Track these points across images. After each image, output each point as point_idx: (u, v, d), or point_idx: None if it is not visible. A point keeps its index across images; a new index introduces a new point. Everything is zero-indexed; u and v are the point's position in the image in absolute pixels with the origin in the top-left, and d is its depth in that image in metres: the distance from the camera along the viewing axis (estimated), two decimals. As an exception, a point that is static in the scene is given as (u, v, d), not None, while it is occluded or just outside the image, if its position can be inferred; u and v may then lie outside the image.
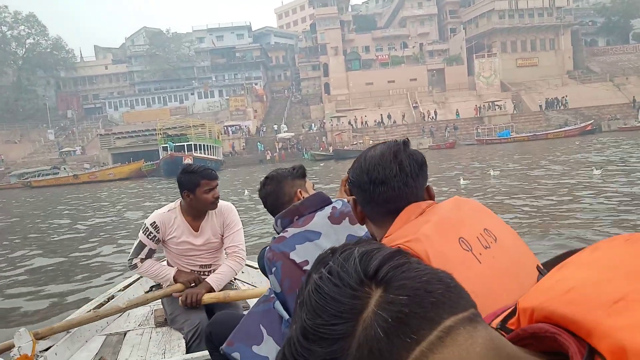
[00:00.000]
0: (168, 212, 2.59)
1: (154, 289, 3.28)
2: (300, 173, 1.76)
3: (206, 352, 1.97)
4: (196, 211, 2.58)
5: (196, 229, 2.61)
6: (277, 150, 42.99)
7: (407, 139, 1.16)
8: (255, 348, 1.53)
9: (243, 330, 1.59)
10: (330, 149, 39.89)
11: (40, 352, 2.18)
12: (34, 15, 62.55)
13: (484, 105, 46.39)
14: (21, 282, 6.15)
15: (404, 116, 47.66)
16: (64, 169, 39.28)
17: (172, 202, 2.69)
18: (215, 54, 64.91)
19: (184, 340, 2.37)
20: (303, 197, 1.67)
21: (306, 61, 61.37)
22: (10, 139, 54.62)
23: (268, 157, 41.80)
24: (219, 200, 2.60)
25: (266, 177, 1.75)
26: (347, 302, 0.40)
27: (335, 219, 1.56)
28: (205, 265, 2.70)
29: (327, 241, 1.50)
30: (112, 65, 67.10)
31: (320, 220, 1.55)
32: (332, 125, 45.23)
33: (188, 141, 36.61)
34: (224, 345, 1.59)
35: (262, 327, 1.55)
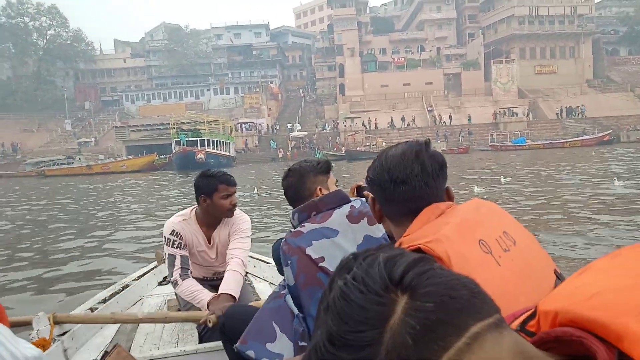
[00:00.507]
0: (183, 222, 2.51)
1: (166, 279, 3.37)
2: (324, 168, 1.74)
3: (219, 343, 1.98)
4: (212, 218, 2.51)
5: (209, 240, 2.56)
6: (290, 148, 43.02)
7: (429, 139, 1.15)
8: (269, 345, 1.52)
9: (256, 327, 1.58)
10: (343, 149, 39.79)
11: (57, 336, 2.21)
12: (56, 7, 63.52)
13: (500, 111, 45.91)
14: (37, 268, 6.22)
15: (413, 119, 47.34)
16: (79, 159, 39.74)
17: (184, 207, 2.61)
18: (232, 51, 65.23)
19: (196, 331, 2.38)
20: (323, 194, 1.66)
21: (322, 61, 61.36)
22: (28, 127, 55.49)
23: (280, 155, 41.86)
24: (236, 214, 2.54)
25: (289, 169, 1.75)
26: (373, 309, 0.40)
27: (354, 217, 1.57)
28: (219, 272, 2.64)
29: (344, 239, 1.51)
30: (131, 59, 67.88)
31: (338, 218, 1.55)
32: (345, 125, 45.15)
33: (201, 136, 36.78)
34: (237, 343, 1.57)
35: (274, 324, 1.55)
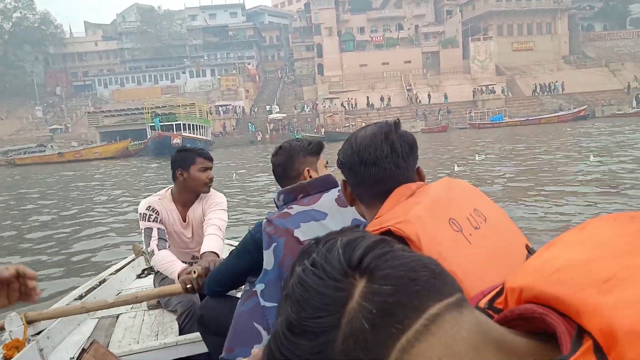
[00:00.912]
0: (158, 200, 2.48)
1: (145, 272, 3.37)
2: (315, 149, 1.69)
3: (195, 334, 1.99)
4: (187, 195, 2.49)
5: (184, 219, 2.52)
6: (269, 131, 42.47)
7: (398, 119, 1.15)
8: (257, 348, 1.44)
9: (238, 333, 1.52)
10: (323, 130, 39.43)
11: (32, 336, 2.15)
12: (21, -12, 60.89)
13: (478, 89, 45.99)
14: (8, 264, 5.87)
15: (389, 99, 47.12)
16: (51, 146, 38.54)
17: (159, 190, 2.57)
18: (207, 32, 63.76)
19: (176, 323, 2.33)
20: (311, 177, 1.63)
21: (300, 41, 60.42)
22: (-3, 115, 53.66)
23: (259, 138, 41.33)
24: (211, 192, 2.52)
25: (280, 146, 1.71)
26: (331, 294, 0.40)
27: (342, 201, 1.52)
28: (197, 257, 2.53)
29: (332, 222, 1.48)
30: (102, 42, 65.86)
31: (326, 201, 1.53)
32: (324, 106, 44.71)
33: (177, 120, 35.94)
34: (223, 353, 1.54)
35: (256, 325, 1.49)
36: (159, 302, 2.61)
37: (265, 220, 1.50)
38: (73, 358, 2.01)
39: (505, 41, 53.99)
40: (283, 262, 1.43)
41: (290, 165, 1.66)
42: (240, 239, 3.69)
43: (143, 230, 2.44)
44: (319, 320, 0.39)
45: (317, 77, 53.73)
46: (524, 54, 53.97)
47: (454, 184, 1.07)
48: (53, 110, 56.83)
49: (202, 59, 62.22)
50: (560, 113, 38.94)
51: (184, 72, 60.67)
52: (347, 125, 40.68)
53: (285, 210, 1.51)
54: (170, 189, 2.54)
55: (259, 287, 1.46)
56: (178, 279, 2.24)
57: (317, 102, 47.22)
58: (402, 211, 0.95)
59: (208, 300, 1.83)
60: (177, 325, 2.33)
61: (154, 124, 35.12)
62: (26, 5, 61.73)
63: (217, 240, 2.38)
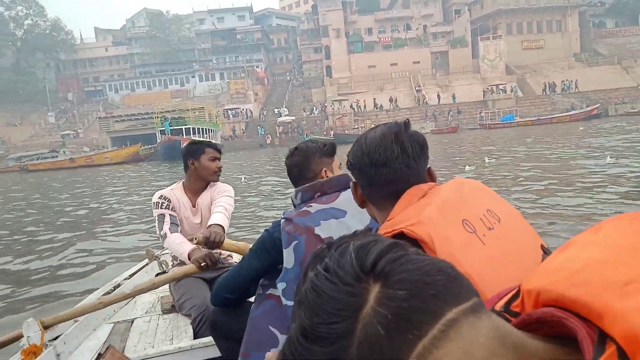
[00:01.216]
0: (171, 190, 2.68)
1: (158, 275, 3.25)
2: (329, 151, 1.71)
3: (208, 339, 2.01)
4: (198, 183, 2.66)
5: (194, 205, 2.68)
6: (278, 134, 42.49)
7: (408, 119, 1.14)
8: (270, 352, 1.36)
9: (253, 337, 1.52)
10: (332, 133, 39.35)
11: (49, 341, 2.17)
12: (32, -4, 61.68)
13: (488, 89, 45.61)
14: (25, 271, 5.99)
15: (395, 100, 46.89)
16: (63, 152, 38.94)
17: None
18: (215, 36, 64.04)
19: (191, 327, 2.36)
20: (327, 177, 1.65)
21: (308, 43, 60.42)
22: (11, 121, 54.36)
23: (268, 142, 41.36)
24: (219, 183, 2.71)
25: (295, 147, 1.73)
26: (344, 300, 0.39)
27: None
28: (211, 252, 2.59)
29: (352, 220, 1.49)
30: (113, 47, 66.41)
31: (345, 199, 1.53)
32: (333, 109, 44.63)
33: (186, 124, 36.14)
34: (239, 359, 1.53)
35: (272, 329, 1.50)
36: (173, 307, 2.67)
37: (283, 220, 1.50)
38: None
39: (514, 40, 53.51)
40: (304, 260, 1.42)
41: (306, 166, 1.67)
42: (249, 241, 3.65)
43: (156, 217, 2.60)
44: (332, 326, 0.39)
45: (325, 79, 53.69)
46: (534, 53, 53.44)
47: (466, 184, 1.05)
48: (65, 116, 57.46)
49: (211, 62, 62.51)
50: (572, 112, 38.47)
51: (193, 76, 60.99)
52: (356, 127, 40.56)
53: (305, 208, 1.52)
54: (181, 181, 2.73)
55: (280, 285, 1.46)
56: (189, 259, 2.36)
57: (325, 104, 47.17)
58: (414, 213, 0.94)
59: (219, 309, 1.81)
60: (192, 330, 2.35)
61: (163, 128, 35.37)
62: (37, 12, 62.52)
63: (223, 217, 2.49)
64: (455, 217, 0.93)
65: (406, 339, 0.37)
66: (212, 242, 2.23)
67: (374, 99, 47.53)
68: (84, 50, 66.37)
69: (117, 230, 8.29)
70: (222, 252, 2.70)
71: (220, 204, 2.59)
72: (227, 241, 2.35)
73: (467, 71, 51.95)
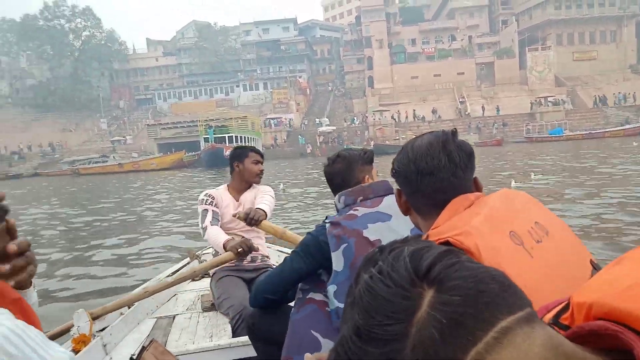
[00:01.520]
0: (216, 189, 2.91)
1: (200, 275, 3.42)
2: (369, 158, 1.76)
3: (245, 338, 2.05)
4: (242, 183, 2.87)
5: (238, 200, 2.88)
6: (318, 144, 42.70)
7: (455, 129, 1.14)
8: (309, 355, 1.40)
9: (295, 341, 1.53)
10: (372, 143, 39.16)
11: (97, 332, 2.30)
12: (90, 9, 65.31)
13: (536, 101, 44.16)
14: (74, 266, 6.29)
15: (435, 112, 46.08)
16: (113, 157, 40.72)
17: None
18: (260, 46, 65.38)
19: (229, 325, 2.43)
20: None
21: (351, 54, 60.67)
22: (67, 127, 57.34)
23: (309, 151, 41.62)
24: (261, 185, 2.92)
25: (337, 155, 1.75)
26: (399, 303, 0.40)
27: None
28: (246, 238, 2.76)
29: (398, 223, 1.50)
30: (163, 58, 69.08)
31: (389, 204, 1.56)
32: (374, 119, 44.46)
33: (229, 133, 36.96)
34: None
35: (314, 333, 1.51)
36: (213, 305, 2.77)
37: (328, 224, 1.53)
38: (134, 355, 2.11)
39: (565, 51, 51.72)
40: (355, 262, 1.44)
41: (349, 174, 1.70)
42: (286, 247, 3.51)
43: (200, 212, 2.80)
44: (387, 328, 0.40)
45: (367, 90, 53.64)
46: (586, 64, 51.42)
47: (513, 195, 1.04)
48: (117, 122, 60.05)
49: (255, 72, 63.79)
50: (628, 126, 36.56)
51: (237, 86, 62.43)
52: (396, 138, 40.24)
53: (351, 212, 1.55)
54: (226, 184, 2.94)
55: (331, 288, 1.47)
56: (224, 249, 2.52)
57: (366, 114, 47.07)
58: (461, 222, 0.94)
59: (257, 311, 1.83)
60: (230, 328, 2.41)
61: (207, 136, 36.30)
62: (94, 24, 65.92)
63: (266, 206, 2.68)
64: (502, 229, 0.92)
65: (460, 343, 0.38)
66: (251, 218, 2.45)
67: (414, 110, 46.99)
68: (136, 60, 69.38)
69: (160, 232, 8.59)
70: (261, 252, 2.87)
71: (264, 200, 2.80)
72: (266, 222, 2.48)
73: (513, 82, 50.55)
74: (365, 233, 1.48)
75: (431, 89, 51.59)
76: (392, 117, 45.24)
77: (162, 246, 7.24)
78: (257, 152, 2.87)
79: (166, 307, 2.96)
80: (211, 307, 2.79)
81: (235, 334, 2.35)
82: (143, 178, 27.61)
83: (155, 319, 2.73)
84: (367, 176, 1.71)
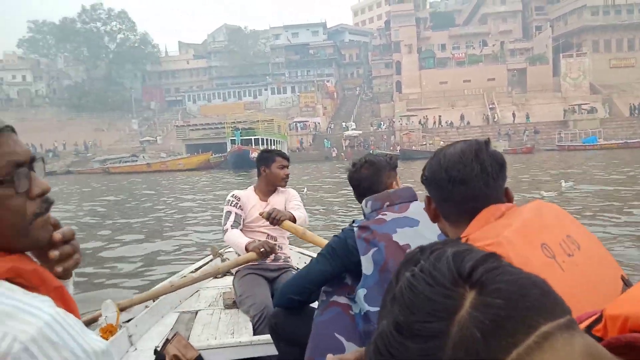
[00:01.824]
0: (243, 191, 2.99)
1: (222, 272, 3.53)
2: (395, 164, 1.78)
3: (267, 336, 2.07)
4: (268, 186, 2.92)
5: (265, 200, 2.93)
6: (344, 148, 42.57)
7: (489, 138, 1.15)
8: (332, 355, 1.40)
9: (319, 344, 1.55)
10: (398, 148, 38.78)
11: (123, 323, 2.39)
12: (125, 12, 67.22)
13: (569, 109, 42.92)
14: (101, 260, 6.47)
15: (462, 118, 45.28)
16: (142, 157, 41.59)
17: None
18: (289, 50, 65.82)
19: (250, 323, 2.48)
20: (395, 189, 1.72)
21: (379, 59, 60.45)
22: (99, 127, 58.93)
23: (334, 154, 41.53)
24: (289, 188, 3.00)
25: (365, 161, 1.75)
26: (441, 302, 0.41)
27: None
28: (272, 236, 2.91)
29: (426, 228, 1.51)
30: (193, 61, 70.36)
31: (416, 210, 1.58)
32: (401, 124, 44.06)
33: (255, 135, 37.26)
34: None
35: (338, 336, 1.52)
36: (234, 303, 2.83)
37: (357, 227, 1.55)
38: (158, 346, 2.18)
39: (601, 57, 50.15)
40: (385, 266, 1.46)
41: (377, 179, 1.70)
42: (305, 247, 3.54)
43: (224, 213, 2.90)
44: (428, 325, 0.40)
45: (395, 95, 53.25)
46: (624, 72, 49.70)
47: (545, 207, 1.04)
48: (147, 123, 61.37)
49: (284, 76, 64.22)
50: (666, 136, 35.11)
51: (266, 89, 62.95)
52: (423, 143, 39.72)
53: (379, 217, 1.57)
54: (253, 186, 3.01)
55: (361, 292, 1.48)
56: (246, 250, 2.60)
57: (393, 119, 46.70)
58: (493, 232, 0.94)
59: (279, 310, 1.86)
60: (252, 326, 2.46)
61: (234, 138, 36.66)
62: (129, 27, 67.83)
63: (297, 212, 2.78)
64: (534, 241, 0.92)
65: (502, 345, 0.39)
66: (273, 217, 2.53)
67: (439, 116, 46.33)
68: (167, 62, 70.90)
69: (184, 229, 8.77)
70: (283, 252, 2.97)
71: (298, 209, 2.90)
72: (287, 222, 2.56)
73: (546, 89, 49.28)
74: (395, 237, 1.50)
75: (460, 94, 50.79)
76: (420, 123, 44.73)
77: (185, 243, 7.37)
78: (284, 156, 2.93)
79: (189, 303, 3.04)
80: (233, 305, 2.84)
81: (256, 332, 2.40)
82: (170, 178, 28.04)
83: (179, 313, 2.81)
84: (393, 182, 1.74)
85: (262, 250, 2.54)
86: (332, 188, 15.65)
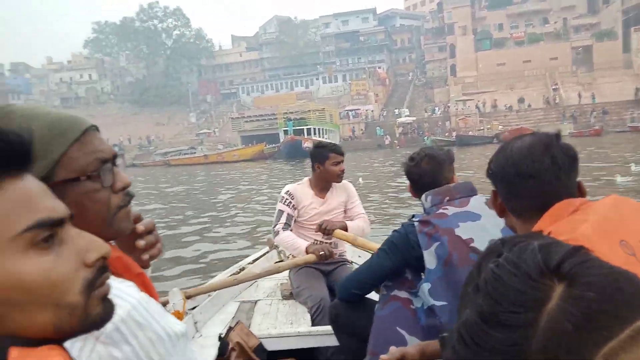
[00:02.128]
0: (298, 185, 2.94)
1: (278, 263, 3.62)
2: (453, 158, 1.79)
3: (327, 327, 2.12)
4: (323, 183, 2.89)
5: (322, 198, 2.92)
6: (397, 135, 41.90)
7: (560, 131, 1.12)
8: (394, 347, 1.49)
9: (381, 337, 1.58)
10: (454, 134, 37.62)
11: (188, 310, 2.50)
12: (180, 9, 69.40)
13: (643, 87, 39.78)
14: (166, 249, 7.02)
15: (522, 100, 43.01)
16: (201, 149, 43.02)
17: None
18: (339, 38, 65.46)
19: (308, 314, 2.56)
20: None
21: (432, 42, 58.80)
22: (160, 121, 61.57)
23: (387, 142, 40.96)
24: (345, 182, 2.97)
25: (425, 154, 1.73)
26: (529, 293, 0.41)
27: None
28: (327, 243, 2.90)
29: (488, 222, 1.51)
30: (246, 53, 71.67)
31: (477, 204, 1.59)
32: (457, 109, 42.71)
33: (307, 125, 37.46)
34: (367, 357, 1.61)
35: (400, 330, 1.55)
36: (291, 294, 2.89)
37: (417, 222, 1.56)
38: (222, 333, 2.28)
39: (679, 29, 45.99)
40: (449, 260, 1.47)
41: (439, 174, 1.70)
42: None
43: (277, 211, 2.90)
44: (515, 315, 0.41)
45: (449, 79, 51.62)
46: None
47: (623, 203, 1.01)
48: (204, 116, 63.41)
49: (334, 64, 64.02)
50: None
51: (317, 78, 63.10)
52: (481, 128, 38.25)
53: (441, 211, 1.57)
54: (309, 178, 2.96)
55: (426, 286, 1.50)
56: (306, 252, 2.66)
57: (448, 104, 45.34)
58: (568, 228, 0.92)
59: (339, 302, 1.90)
60: (309, 317, 2.53)
61: (287, 128, 37.09)
62: (184, 23, 70.10)
63: (358, 226, 2.83)
64: (612, 237, 0.89)
65: (594, 338, 0.38)
66: (324, 229, 2.62)
67: (495, 99, 44.38)
68: (221, 56, 72.67)
69: (240, 219, 9.07)
70: (339, 248, 3.00)
71: (362, 217, 2.96)
72: (338, 231, 2.61)
73: (615, 67, 45.93)
74: (457, 232, 1.50)
75: (519, 76, 48.38)
76: (476, 107, 43.15)
77: (240, 233, 7.60)
78: (337, 151, 2.86)
79: (248, 292, 3.13)
80: (290, 296, 2.91)
81: (314, 322, 2.45)
82: (226, 169, 28.83)
83: (239, 303, 2.89)
84: (454, 176, 1.74)
85: (322, 253, 2.60)
86: (386, 176, 15.46)
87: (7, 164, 0.46)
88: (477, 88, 48.00)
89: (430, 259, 1.50)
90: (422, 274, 1.59)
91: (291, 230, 2.87)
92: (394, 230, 1.65)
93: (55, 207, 0.50)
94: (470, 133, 36.88)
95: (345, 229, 2.70)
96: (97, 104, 66.41)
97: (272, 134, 42.00)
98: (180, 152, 42.66)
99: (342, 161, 2.88)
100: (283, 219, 2.84)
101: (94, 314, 0.51)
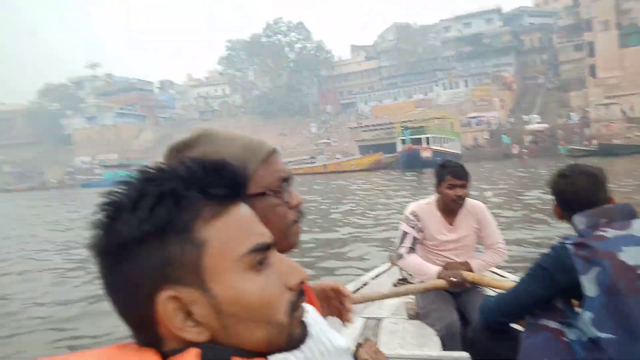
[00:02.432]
0: (425, 205, 2.75)
1: (401, 282, 3.57)
2: (606, 177, 1.65)
3: (464, 353, 2.03)
4: (445, 205, 2.67)
5: (451, 224, 2.71)
6: (526, 144, 38.82)
7: None
8: None
9: None
10: (595, 142, 33.75)
11: None
12: (302, 23, 72.74)
13: None
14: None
15: None
16: (321, 158, 44.50)
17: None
18: (460, 42, 63.05)
19: (436, 336, 2.44)
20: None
21: (566, 41, 53.58)
22: (283, 132, 64.99)
23: (515, 152, 38.14)
24: (470, 199, 2.69)
25: (581, 171, 1.61)
26: None
27: None
28: (460, 271, 2.77)
29: None
30: (365, 62, 72.59)
31: None
32: (598, 114, 38.29)
33: (425, 133, 36.51)
34: None
35: None
36: (417, 314, 2.77)
37: (572, 245, 1.44)
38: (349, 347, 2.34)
39: None
40: (613, 287, 1.35)
41: (598, 192, 1.57)
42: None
43: (401, 232, 2.75)
44: None
45: (588, 80, 46.48)
46: None
47: None
48: (324, 126, 65.45)
49: (455, 70, 61.73)
50: None
51: (437, 85, 61.33)
52: (628, 135, 33.81)
53: (599, 233, 1.44)
54: (434, 199, 2.75)
55: (587, 314, 1.37)
56: (438, 277, 2.53)
57: (587, 109, 40.85)
58: None
59: (480, 325, 1.83)
60: (438, 340, 2.41)
61: (404, 137, 36.43)
62: (305, 36, 73.36)
63: (487, 262, 2.70)
64: None
65: None
66: (453, 283, 2.47)
67: None
68: (340, 66, 74.48)
69: (362, 232, 9.07)
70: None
71: (496, 247, 2.72)
72: (467, 274, 2.49)
73: None
74: (621, 256, 1.37)
75: (679, 74, 41.85)
76: (622, 111, 38.23)
77: (362, 247, 7.60)
78: (456, 174, 2.57)
79: (372, 309, 3.06)
80: (416, 316, 2.80)
81: (445, 346, 2.32)
82: (343, 179, 29.23)
83: (365, 319, 2.82)
84: (612, 197, 1.59)
85: (454, 280, 2.46)
86: (513, 192, 14.36)
87: (231, 192, 0.52)
88: (623, 90, 42.50)
89: (589, 286, 1.37)
90: (571, 302, 1.47)
91: (415, 252, 2.74)
92: (543, 254, 1.52)
93: (265, 232, 0.55)
94: (615, 141, 32.82)
95: (470, 269, 2.57)
96: (229, 117, 72.30)
97: (390, 144, 41.80)
98: (301, 161, 44.52)
99: (462, 185, 2.59)
100: (407, 242, 2.71)
101: (296, 334, 0.55)
